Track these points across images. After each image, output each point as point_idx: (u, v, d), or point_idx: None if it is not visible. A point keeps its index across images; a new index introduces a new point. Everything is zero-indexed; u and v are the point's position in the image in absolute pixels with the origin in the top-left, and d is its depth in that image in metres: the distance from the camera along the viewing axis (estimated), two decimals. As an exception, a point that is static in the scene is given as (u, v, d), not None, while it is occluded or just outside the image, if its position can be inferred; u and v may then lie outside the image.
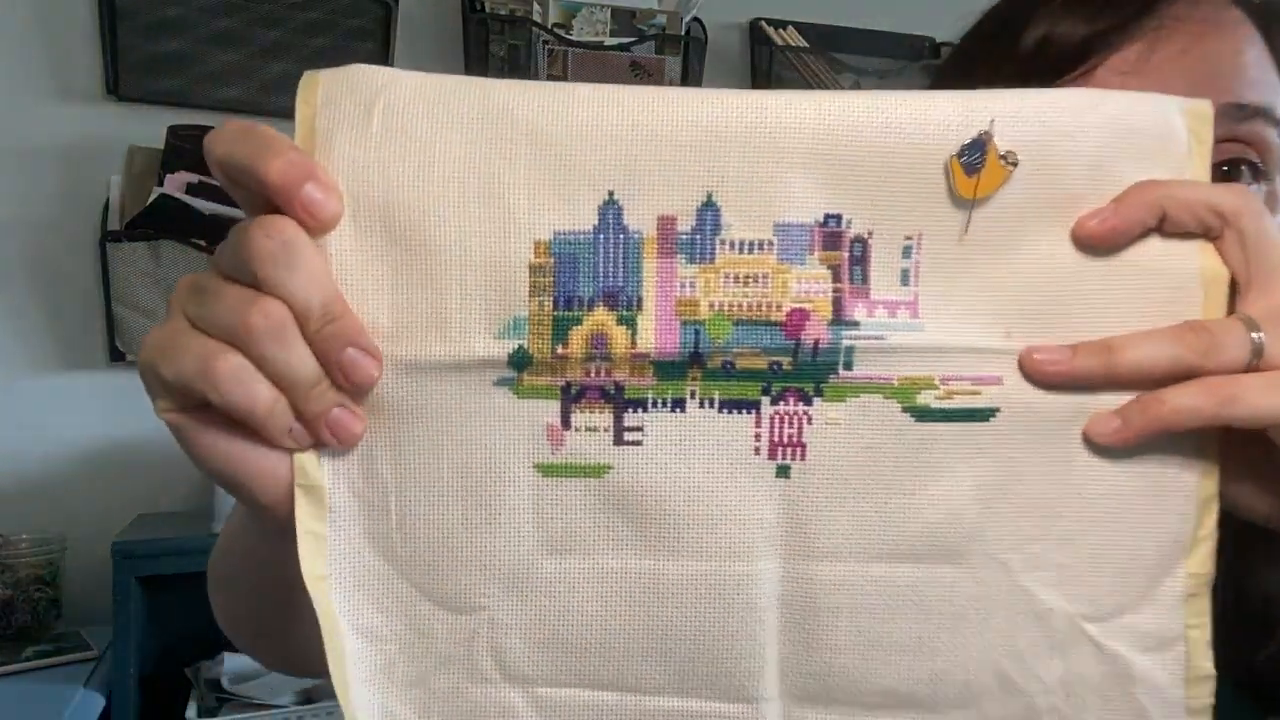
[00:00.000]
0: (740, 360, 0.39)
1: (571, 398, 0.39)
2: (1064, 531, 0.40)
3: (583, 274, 0.38)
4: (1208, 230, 0.39)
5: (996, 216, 0.39)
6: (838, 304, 0.39)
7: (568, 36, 1.77)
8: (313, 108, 0.38)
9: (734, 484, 0.39)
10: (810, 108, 0.39)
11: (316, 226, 0.36)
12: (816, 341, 0.39)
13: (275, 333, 0.35)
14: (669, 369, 0.39)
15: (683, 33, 1.83)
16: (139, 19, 1.63)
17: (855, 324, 0.39)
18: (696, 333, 0.38)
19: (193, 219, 1.58)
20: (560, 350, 0.38)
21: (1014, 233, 0.39)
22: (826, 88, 1.90)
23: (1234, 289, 0.39)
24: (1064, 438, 0.40)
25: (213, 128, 0.37)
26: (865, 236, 0.39)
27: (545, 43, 1.76)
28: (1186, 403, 0.37)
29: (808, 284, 0.39)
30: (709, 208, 0.38)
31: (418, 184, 0.38)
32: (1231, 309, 0.39)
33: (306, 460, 0.38)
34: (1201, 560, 0.40)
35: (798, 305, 0.39)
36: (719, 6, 1.90)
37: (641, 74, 1.81)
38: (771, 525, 0.40)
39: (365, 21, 1.75)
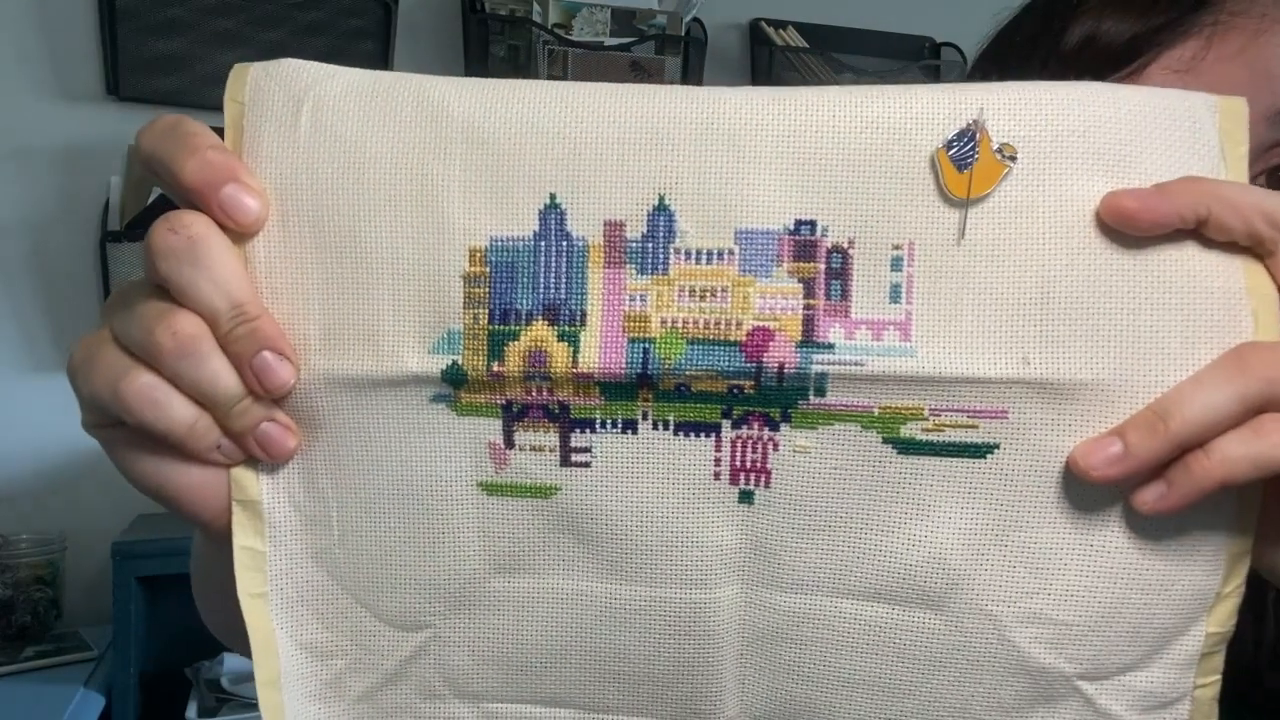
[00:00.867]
0: (696, 383, 0.35)
1: (514, 415, 0.36)
2: (1068, 586, 0.36)
3: (521, 284, 0.35)
4: (1259, 240, 0.34)
5: (998, 219, 0.35)
6: (809, 323, 0.35)
7: (568, 37, 1.77)
8: (240, 104, 0.36)
9: (691, 509, 0.36)
10: (774, 104, 0.35)
11: (237, 230, 0.34)
12: (781, 365, 0.35)
13: (185, 349, 0.33)
14: (616, 390, 0.36)
15: (683, 33, 1.83)
16: (139, 19, 1.63)
17: (829, 347, 0.35)
18: (645, 351, 0.35)
19: (193, 219, 1.58)
20: (496, 367, 0.35)
21: (1021, 239, 0.35)
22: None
23: None
24: (1074, 480, 0.35)
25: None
26: (845, 246, 0.35)
27: (545, 43, 1.76)
28: (1238, 451, 0.32)
29: (773, 299, 0.35)
30: (661, 212, 0.35)
31: (347, 187, 0.35)
32: None
33: (243, 475, 0.36)
34: (1222, 619, 0.36)
35: (760, 323, 0.35)
36: (719, 7, 1.90)
37: (642, 74, 1.81)
38: (733, 551, 0.37)
39: (365, 22, 1.75)
